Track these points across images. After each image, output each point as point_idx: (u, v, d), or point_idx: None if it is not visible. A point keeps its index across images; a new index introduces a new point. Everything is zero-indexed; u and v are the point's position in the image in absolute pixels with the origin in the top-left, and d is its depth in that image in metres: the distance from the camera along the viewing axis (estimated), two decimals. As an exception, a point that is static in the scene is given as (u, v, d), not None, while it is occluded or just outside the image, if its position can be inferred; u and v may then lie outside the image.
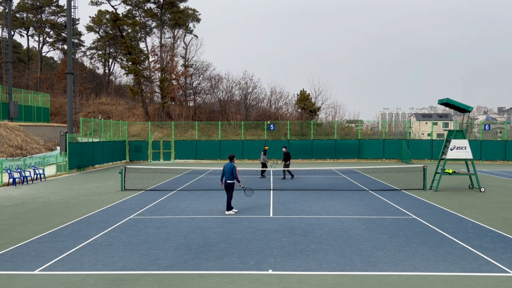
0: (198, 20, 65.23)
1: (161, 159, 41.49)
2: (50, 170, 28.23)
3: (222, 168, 14.57)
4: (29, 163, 28.55)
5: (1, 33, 55.67)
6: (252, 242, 10.49)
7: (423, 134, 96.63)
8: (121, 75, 79.76)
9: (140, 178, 25.11)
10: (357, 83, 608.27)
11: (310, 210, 14.88)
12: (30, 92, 49.91)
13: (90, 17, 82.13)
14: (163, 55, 59.04)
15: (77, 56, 65.35)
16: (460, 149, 19.83)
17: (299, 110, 57.35)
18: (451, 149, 19.85)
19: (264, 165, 26.20)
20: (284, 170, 25.09)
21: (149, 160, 41.16)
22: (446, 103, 20.36)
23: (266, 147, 27.29)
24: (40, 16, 67.61)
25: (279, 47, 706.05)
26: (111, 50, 71.14)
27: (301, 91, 56.32)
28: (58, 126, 45.81)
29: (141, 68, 55.82)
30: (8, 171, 23.01)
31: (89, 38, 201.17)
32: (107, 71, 74.01)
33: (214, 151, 41.24)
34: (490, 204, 16.37)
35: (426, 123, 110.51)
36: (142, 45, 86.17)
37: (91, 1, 62.57)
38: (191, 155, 41.12)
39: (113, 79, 74.47)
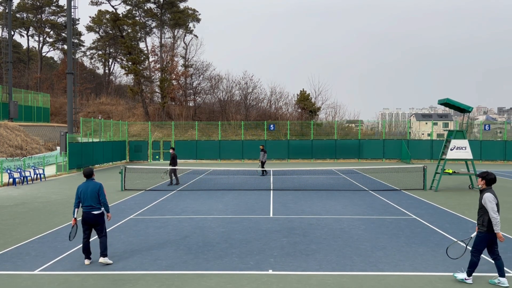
0: (198, 20, 65.23)
1: (161, 159, 41.48)
2: (50, 170, 28.22)
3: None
4: (29, 163, 28.55)
5: (1, 33, 55.71)
6: (252, 242, 10.49)
7: (423, 134, 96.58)
8: (121, 75, 79.70)
9: (140, 178, 25.11)
10: (357, 83, 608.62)
11: (310, 210, 14.87)
12: (30, 92, 49.89)
13: (90, 17, 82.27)
14: (163, 55, 59.02)
15: (77, 56, 65.36)
16: (460, 149, 19.83)
17: (299, 110, 57.31)
18: (451, 149, 19.84)
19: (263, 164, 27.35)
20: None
21: (149, 160, 41.16)
22: (446, 103, 20.35)
23: (262, 146, 28.27)
24: (40, 16, 67.58)
25: (278, 47, 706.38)
26: (111, 50, 71.11)
27: (301, 91, 56.29)
28: (58, 126, 45.80)
29: (141, 68, 55.79)
30: (8, 171, 23.01)
31: (89, 38, 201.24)
32: (107, 71, 74.03)
33: (214, 151, 41.22)
34: (490, 204, 16.34)
35: (426, 123, 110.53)
36: (142, 45, 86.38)
37: (91, 1, 62.56)
38: (191, 155, 41.09)
39: (113, 79, 74.49)
